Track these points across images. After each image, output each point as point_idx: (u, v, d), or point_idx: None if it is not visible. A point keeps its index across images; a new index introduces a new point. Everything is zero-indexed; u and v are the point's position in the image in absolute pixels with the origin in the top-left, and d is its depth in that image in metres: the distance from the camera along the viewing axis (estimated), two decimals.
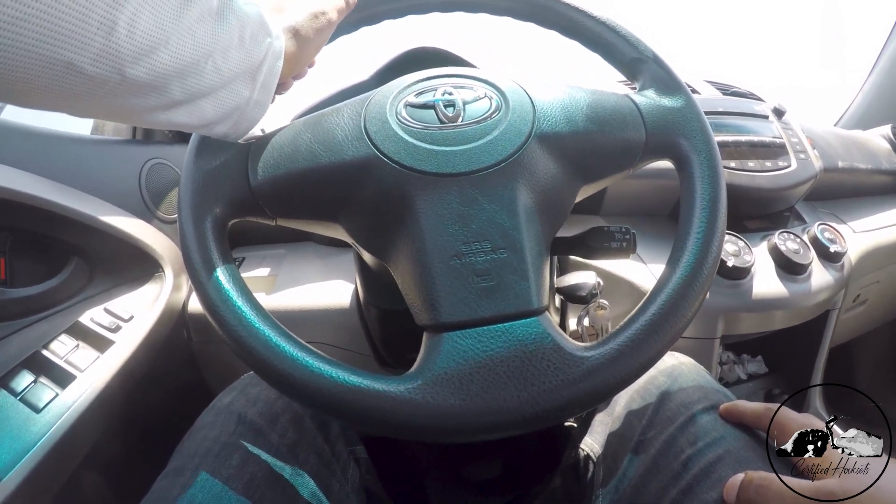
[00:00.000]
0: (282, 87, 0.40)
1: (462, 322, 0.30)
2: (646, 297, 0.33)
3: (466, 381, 0.29)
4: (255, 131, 0.38)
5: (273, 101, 0.37)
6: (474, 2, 0.46)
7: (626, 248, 0.44)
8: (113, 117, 0.29)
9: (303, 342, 0.31)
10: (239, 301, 0.32)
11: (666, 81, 0.40)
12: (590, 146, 0.37)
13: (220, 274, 0.33)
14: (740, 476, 0.34)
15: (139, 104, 0.28)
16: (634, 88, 0.42)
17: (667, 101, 0.39)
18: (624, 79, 0.45)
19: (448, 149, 0.34)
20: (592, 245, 0.44)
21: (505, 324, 0.30)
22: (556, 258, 0.67)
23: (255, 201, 0.35)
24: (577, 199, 0.39)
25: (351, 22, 0.44)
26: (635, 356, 0.30)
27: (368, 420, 0.29)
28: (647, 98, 0.40)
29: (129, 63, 0.25)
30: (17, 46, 0.21)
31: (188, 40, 0.27)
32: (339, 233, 0.38)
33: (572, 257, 0.68)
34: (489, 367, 0.29)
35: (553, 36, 0.46)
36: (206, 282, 0.32)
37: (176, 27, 0.26)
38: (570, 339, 0.31)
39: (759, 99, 0.85)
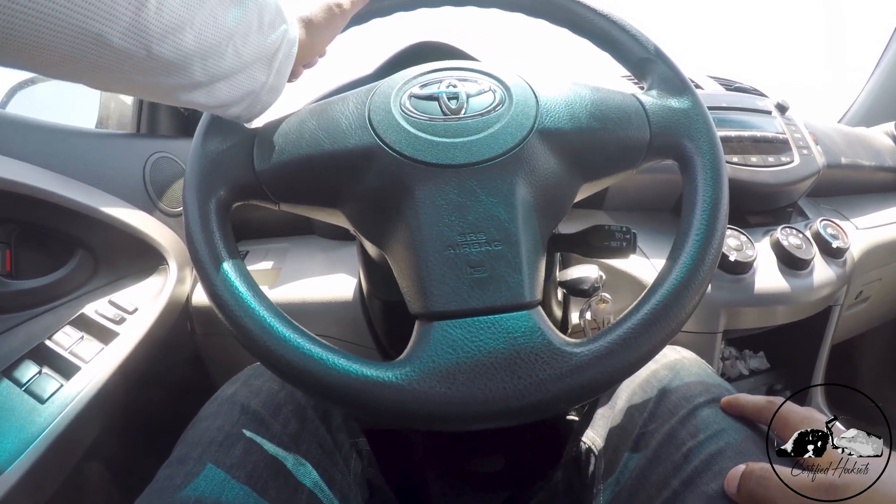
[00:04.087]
0: (292, 76, 0.40)
1: (453, 312, 0.30)
2: (641, 296, 0.33)
3: (454, 371, 0.29)
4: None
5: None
6: None
7: (625, 247, 0.43)
8: (133, 92, 0.30)
9: (296, 324, 0.32)
10: (237, 282, 0.32)
11: (674, 82, 0.40)
12: (592, 144, 0.37)
13: (223, 253, 0.33)
14: (741, 467, 0.34)
15: (162, 83, 0.29)
16: (642, 88, 0.42)
17: (674, 102, 0.39)
18: (628, 73, 0.45)
19: (449, 140, 0.34)
20: (592, 243, 0.44)
21: (495, 315, 0.30)
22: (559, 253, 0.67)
23: (259, 185, 0.36)
24: (578, 198, 0.39)
25: (363, 13, 0.45)
26: (625, 354, 0.30)
27: (355, 404, 0.29)
28: (654, 98, 0.39)
29: (156, 40, 0.26)
30: (48, 14, 0.21)
31: (210, 22, 0.28)
32: (340, 219, 0.38)
33: None
34: (477, 357, 0.29)
35: (560, 32, 0.45)
36: (208, 261, 0.33)
37: (200, 9, 0.27)
38: (562, 334, 0.31)
39: (763, 94, 0.85)
